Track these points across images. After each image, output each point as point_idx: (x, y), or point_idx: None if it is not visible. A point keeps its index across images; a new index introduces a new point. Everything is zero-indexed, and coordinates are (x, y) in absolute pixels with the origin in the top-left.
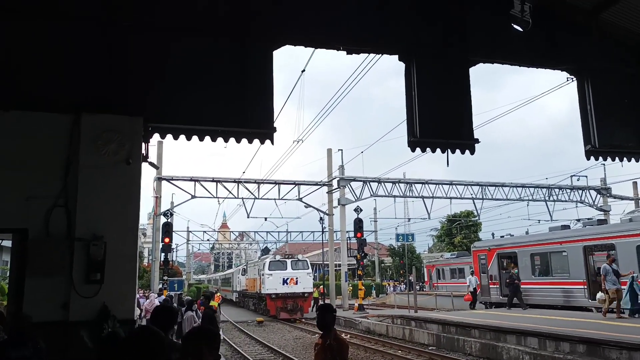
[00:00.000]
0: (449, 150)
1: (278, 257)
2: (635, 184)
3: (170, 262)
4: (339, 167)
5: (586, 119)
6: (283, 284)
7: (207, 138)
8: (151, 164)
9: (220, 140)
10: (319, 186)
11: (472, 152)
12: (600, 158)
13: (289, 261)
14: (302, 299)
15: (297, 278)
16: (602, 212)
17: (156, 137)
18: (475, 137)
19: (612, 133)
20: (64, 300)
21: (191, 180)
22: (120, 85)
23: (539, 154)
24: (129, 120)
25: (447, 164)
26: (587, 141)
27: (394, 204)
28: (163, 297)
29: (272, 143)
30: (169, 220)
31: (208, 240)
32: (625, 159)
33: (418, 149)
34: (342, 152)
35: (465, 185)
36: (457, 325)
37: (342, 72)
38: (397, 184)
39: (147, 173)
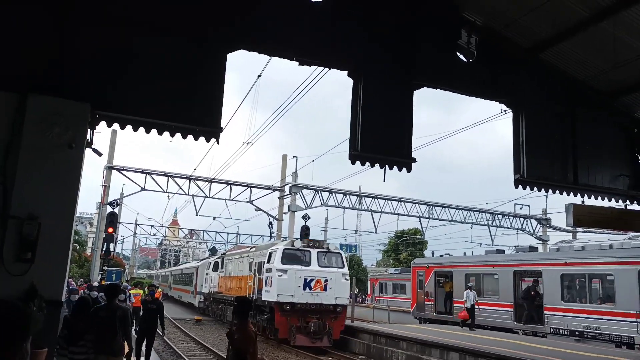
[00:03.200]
0: (387, 166)
1: (298, 244)
2: None
3: (112, 253)
4: (292, 173)
5: (518, 150)
6: (304, 289)
7: (154, 131)
8: (95, 150)
9: (166, 134)
10: (271, 191)
11: (409, 170)
12: (528, 188)
13: (314, 252)
14: (332, 315)
15: (326, 281)
16: (541, 242)
17: (109, 125)
18: (413, 156)
19: (539, 165)
20: None
21: (142, 172)
22: (70, 71)
23: (487, 178)
24: (76, 105)
25: (384, 179)
26: (517, 170)
27: (343, 215)
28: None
29: (217, 142)
30: (114, 209)
31: (155, 234)
32: (550, 190)
33: (358, 162)
34: (296, 159)
35: (413, 203)
36: (387, 337)
37: (302, 74)
38: (347, 196)
39: (98, 161)
